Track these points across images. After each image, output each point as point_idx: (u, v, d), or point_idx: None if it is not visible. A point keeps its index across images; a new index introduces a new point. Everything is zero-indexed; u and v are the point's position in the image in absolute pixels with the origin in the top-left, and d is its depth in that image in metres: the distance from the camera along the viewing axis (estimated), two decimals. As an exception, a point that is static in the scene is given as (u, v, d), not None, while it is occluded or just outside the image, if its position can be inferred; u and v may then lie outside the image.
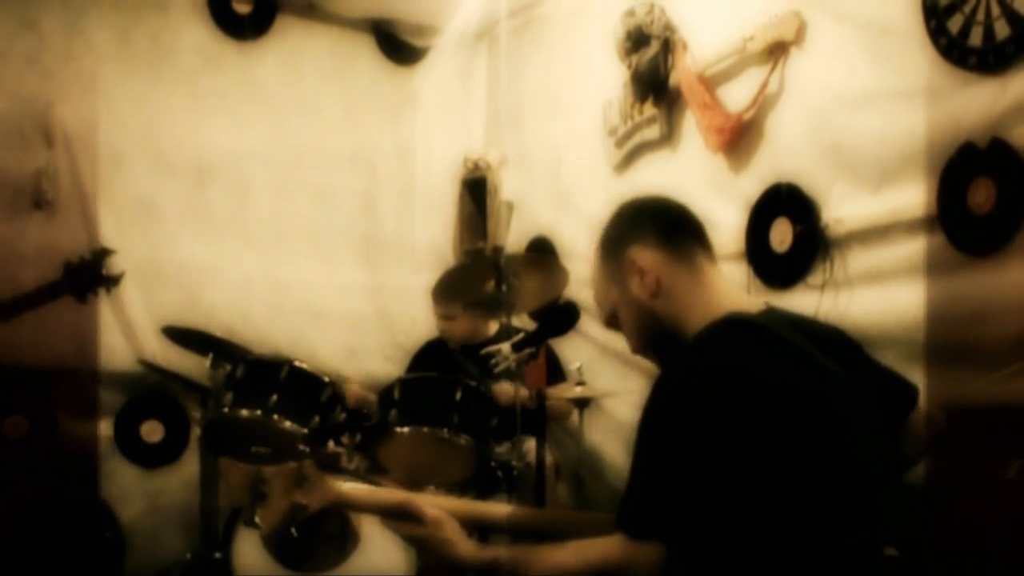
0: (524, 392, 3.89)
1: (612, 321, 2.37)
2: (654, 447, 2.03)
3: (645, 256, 2.25)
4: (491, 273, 4.26)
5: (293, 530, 2.30)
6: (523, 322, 5.03)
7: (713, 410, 1.95)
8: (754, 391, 1.97)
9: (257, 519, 3.24)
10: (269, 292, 5.74)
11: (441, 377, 4.29)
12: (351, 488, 2.41)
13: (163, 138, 5.43)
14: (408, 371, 5.17)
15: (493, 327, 5.03)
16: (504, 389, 4.35)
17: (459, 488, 4.17)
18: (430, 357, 5.17)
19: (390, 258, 6.21)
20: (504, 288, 4.24)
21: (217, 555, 4.13)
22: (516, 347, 3.70)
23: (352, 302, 6.05)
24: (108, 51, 5.29)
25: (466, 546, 2.21)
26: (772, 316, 2.26)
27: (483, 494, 4.18)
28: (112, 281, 4.35)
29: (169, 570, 4.87)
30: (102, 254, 4.33)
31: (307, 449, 4.02)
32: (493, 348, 3.81)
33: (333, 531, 3.79)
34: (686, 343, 2.18)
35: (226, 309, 5.50)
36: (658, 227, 2.29)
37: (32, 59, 5.06)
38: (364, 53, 6.18)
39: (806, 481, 1.95)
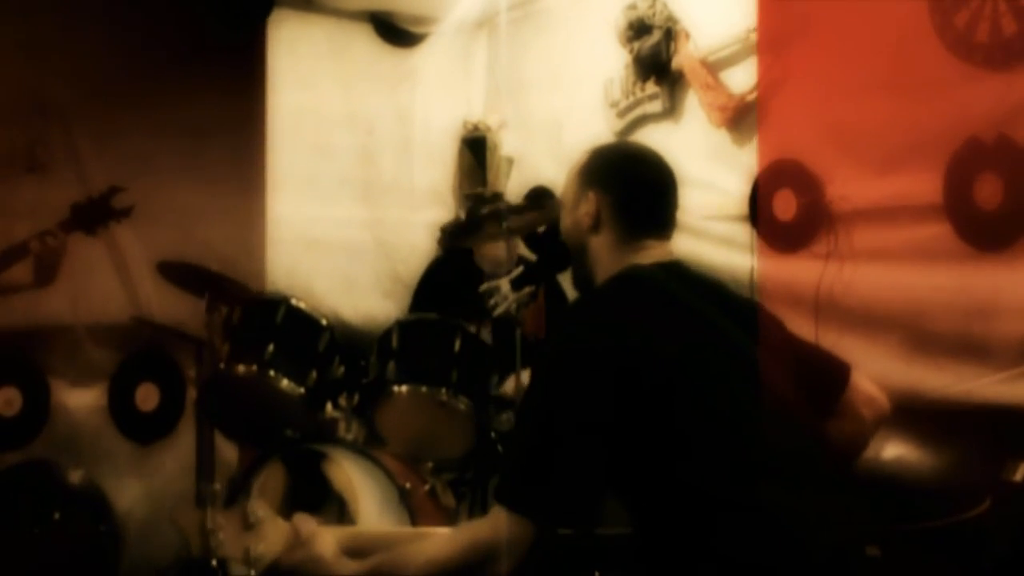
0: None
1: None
2: (533, 413, 2.16)
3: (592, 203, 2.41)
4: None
5: (252, 574, 2.24)
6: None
7: (577, 370, 2.09)
8: (619, 345, 2.10)
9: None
10: (265, 225, 5.66)
11: (440, 321, 4.17)
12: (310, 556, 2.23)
13: (159, 104, 5.25)
14: (416, 292, 5.12)
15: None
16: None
17: (459, 465, 4.18)
18: (441, 276, 5.11)
19: (389, 198, 6.15)
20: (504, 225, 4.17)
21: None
22: (515, 284, 3.63)
23: (350, 232, 6.01)
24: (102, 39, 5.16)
25: (338, 562, 2.18)
26: (671, 271, 2.36)
27: (483, 474, 4.17)
28: (122, 213, 4.31)
29: (166, 571, 4.81)
30: (111, 191, 4.29)
31: (293, 432, 3.99)
32: (492, 284, 3.76)
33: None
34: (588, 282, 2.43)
35: (221, 243, 5.34)
36: (628, 202, 2.41)
37: (24, 45, 4.92)
38: (362, 39, 6.10)
39: (668, 434, 2.05)
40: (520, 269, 3.70)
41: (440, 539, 2.20)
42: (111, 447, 5.20)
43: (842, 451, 2.36)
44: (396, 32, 6.16)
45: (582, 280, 2.49)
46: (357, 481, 3.74)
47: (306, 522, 2.23)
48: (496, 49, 6.22)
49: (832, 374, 2.42)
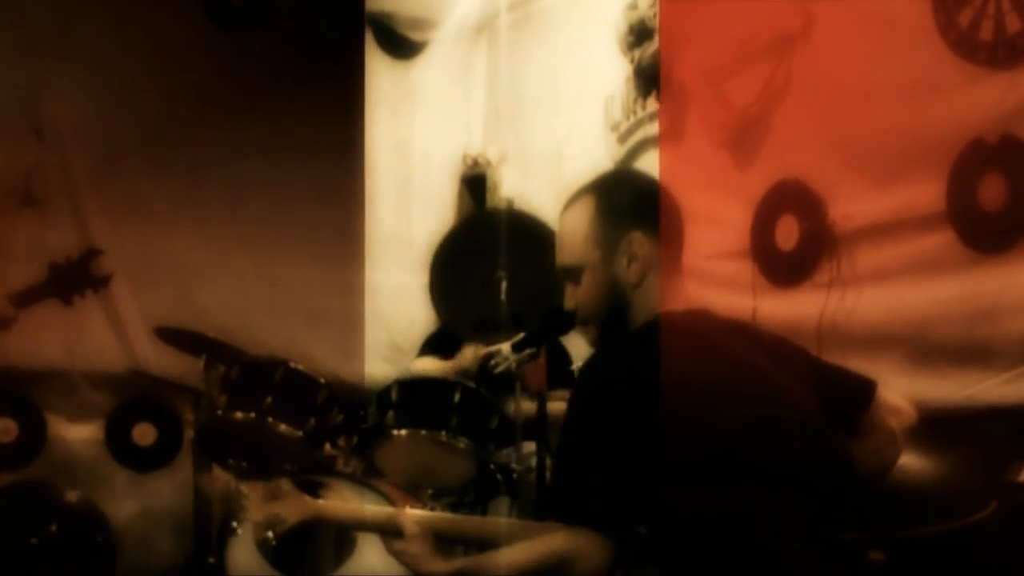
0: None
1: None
2: (586, 436, 2.12)
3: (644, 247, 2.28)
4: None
5: (270, 534, 2.35)
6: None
7: (629, 405, 2.05)
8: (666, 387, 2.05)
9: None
10: (264, 291, 5.66)
11: (439, 379, 4.26)
12: (331, 505, 2.50)
13: (157, 134, 5.33)
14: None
15: None
16: None
17: (458, 492, 4.14)
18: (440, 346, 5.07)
19: (388, 255, 6.12)
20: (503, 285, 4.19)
21: (211, 560, 4.09)
22: (516, 347, 3.60)
23: (348, 301, 5.94)
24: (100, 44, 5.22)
25: (431, 561, 2.25)
26: (704, 318, 2.34)
27: (483, 498, 4.15)
28: (100, 282, 4.27)
29: (164, 573, 4.83)
30: (89, 254, 4.25)
31: (292, 467, 4.00)
32: (493, 348, 3.74)
33: (328, 535, 3.75)
34: (626, 332, 2.30)
35: (219, 309, 5.40)
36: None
37: (21, 54, 4.98)
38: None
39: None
40: (521, 336, 3.73)
41: (522, 547, 2.18)
42: (108, 473, 5.20)
43: (876, 463, 2.38)
44: (395, 40, 6.15)
45: (607, 330, 2.35)
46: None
47: (416, 522, 2.31)
48: (496, 59, 6.18)
49: (858, 391, 2.43)
